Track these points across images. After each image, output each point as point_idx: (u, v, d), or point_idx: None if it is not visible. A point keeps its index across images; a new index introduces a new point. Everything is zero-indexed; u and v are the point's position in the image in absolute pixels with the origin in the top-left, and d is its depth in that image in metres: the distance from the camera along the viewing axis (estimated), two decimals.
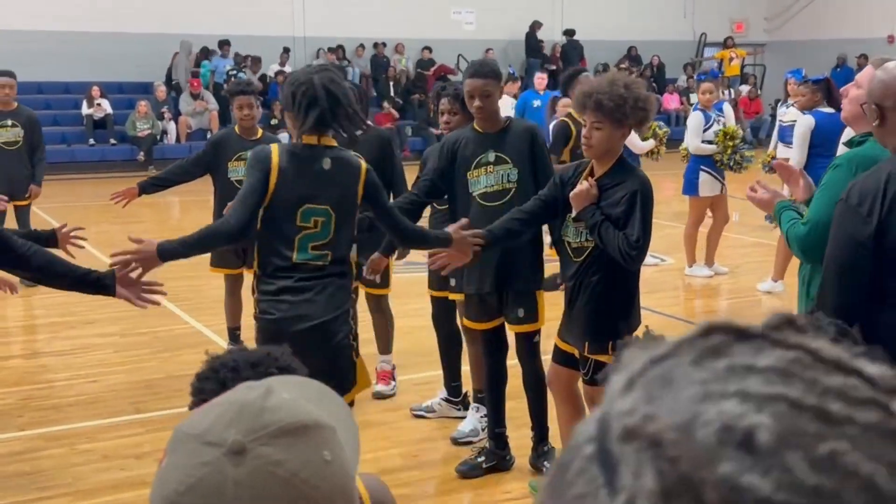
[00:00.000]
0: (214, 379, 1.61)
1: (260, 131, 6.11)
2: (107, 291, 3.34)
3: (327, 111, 3.38)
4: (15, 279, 4.37)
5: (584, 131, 3.79)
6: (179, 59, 18.46)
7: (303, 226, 3.42)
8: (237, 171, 5.89)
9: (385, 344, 5.66)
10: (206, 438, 0.94)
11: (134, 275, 3.36)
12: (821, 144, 7.51)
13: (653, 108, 3.78)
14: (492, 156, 4.30)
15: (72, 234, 3.89)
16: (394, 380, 5.64)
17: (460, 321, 5.04)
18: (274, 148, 3.53)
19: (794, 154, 7.62)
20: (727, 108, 9.65)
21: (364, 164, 3.63)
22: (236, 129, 6.05)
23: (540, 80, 11.36)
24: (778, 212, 3.36)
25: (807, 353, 0.52)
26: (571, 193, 3.87)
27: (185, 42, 18.33)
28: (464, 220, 3.91)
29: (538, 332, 4.45)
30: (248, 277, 6.21)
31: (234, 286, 6.16)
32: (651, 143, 8.80)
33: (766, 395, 0.49)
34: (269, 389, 1.01)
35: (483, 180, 4.31)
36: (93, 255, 9.59)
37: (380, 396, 5.48)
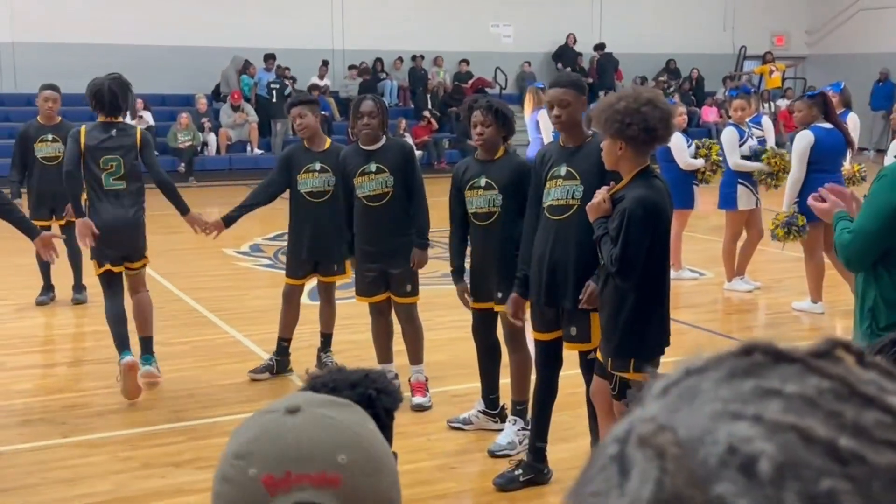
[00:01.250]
0: None
1: (327, 142, 6.07)
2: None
3: (111, 102, 5.66)
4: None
5: None
6: (229, 73, 18.69)
7: (104, 168, 5.72)
8: (306, 182, 5.95)
9: (416, 354, 5.65)
10: (265, 410, 1.07)
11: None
12: (821, 160, 7.44)
13: (639, 121, 3.67)
14: (563, 170, 4.30)
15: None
16: (427, 391, 5.64)
17: (505, 332, 5.04)
18: (83, 127, 5.83)
19: (792, 171, 7.54)
20: (766, 122, 9.57)
21: (140, 129, 6.00)
22: (304, 142, 6.07)
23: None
24: (835, 221, 3.40)
25: (843, 384, 0.51)
26: (587, 205, 3.92)
27: (237, 57, 18.56)
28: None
29: (594, 350, 4.42)
30: (308, 285, 6.33)
31: (292, 293, 6.19)
32: (700, 162, 8.72)
33: (779, 422, 0.49)
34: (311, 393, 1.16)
35: (552, 193, 4.32)
36: None
37: (419, 409, 5.45)
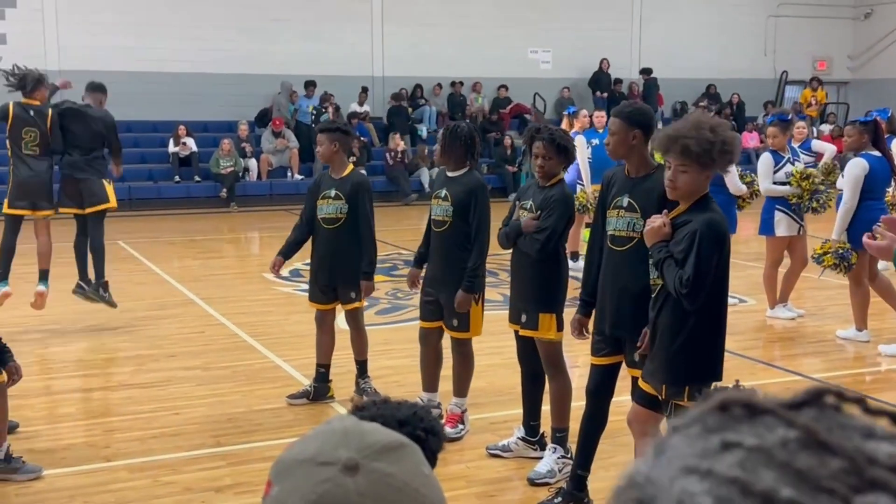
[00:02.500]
0: None
1: (349, 167, 6.10)
2: None
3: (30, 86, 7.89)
4: None
5: (668, 174, 3.77)
6: (279, 99, 18.93)
7: (25, 136, 7.84)
8: (322, 208, 6.01)
9: (460, 387, 5.59)
10: (318, 460, 1.00)
11: None
12: (872, 189, 7.36)
13: (737, 149, 3.77)
14: (625, 200, 4.28)
15: None
16: (462, 423, 5.55)
17: (544, 358, 5.00)
18: (11, 104, 7.92)
19: (844, 199, 7.43)
20: (816, 144, 9.42)
21: (51, 111, 8.01)
22: (329, 169, 6.16)
23: (599, 118, 11.25)
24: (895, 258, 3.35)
25: (808, 433, 0.53)
26: (645, 228, 3.89)
27: (285, 83, 18.83)
28: None
29: None
30: (340, 313, 6.37)
31: (324, 318, 6.21)
32: (745, 190, 8.68)
33: (725, 476, 0.52)
34: (356, 420, 1.10)
35: (613, 222, 4.31)
36: (175, 288, 9.83)
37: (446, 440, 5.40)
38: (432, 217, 5.50)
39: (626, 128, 4.28)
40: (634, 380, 4.32)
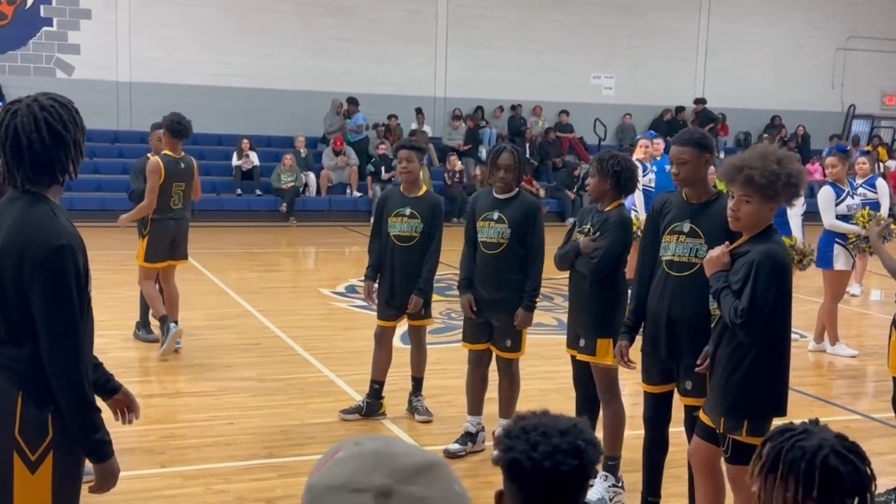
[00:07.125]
0: (524, 439, 1.72)
1: (424, 188, 6.14)
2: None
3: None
4: None
5: (731, 203, 3.74)
6: (329, 117, 19.16)
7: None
8: (395, 226, 6.02)
9: (508, 408, 5.55)
10: (351, 487, 0.98)
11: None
12: None
13: (804, 182, 3.75)
14: (686, 226, 4.25)
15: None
16: None
17: (599, 384, 4.97)
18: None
19: None
20: (881, 184, 9.27)
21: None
22: (402, 186, 6.16)
23: (656, 145, 11.17)
24: None
25: None
26: (705, 258, 3.86)
27: (334, 100, 19.09)
28: None
29: None
30: (401, 329, 6.40)
31: (383, 335, 6.23)
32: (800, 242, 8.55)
33: None
34: (386, 440, 1.08)
35: (672, 247, 4.26)
36: (233, 300, 9.97)
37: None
38: (483, 240, 5.45)
39: (697, 155, 4.26)
40: (687, 409, 4.28)
